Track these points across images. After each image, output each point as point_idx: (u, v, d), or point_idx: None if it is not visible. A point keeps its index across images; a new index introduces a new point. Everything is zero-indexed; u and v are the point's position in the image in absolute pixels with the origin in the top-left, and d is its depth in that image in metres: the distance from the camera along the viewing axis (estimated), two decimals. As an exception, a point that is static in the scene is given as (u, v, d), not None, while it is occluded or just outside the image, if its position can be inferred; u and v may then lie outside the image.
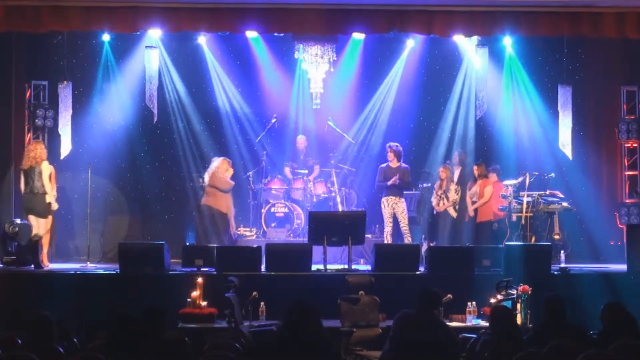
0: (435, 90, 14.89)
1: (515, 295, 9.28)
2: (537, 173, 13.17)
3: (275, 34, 13.41)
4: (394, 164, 12.95)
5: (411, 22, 12.09)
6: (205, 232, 12.94)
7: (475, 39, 13.72)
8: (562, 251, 12.11)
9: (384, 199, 12.90)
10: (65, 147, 13.54)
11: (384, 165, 13.10)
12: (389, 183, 12.60)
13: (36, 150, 11.84)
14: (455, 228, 12.98)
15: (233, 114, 14.79)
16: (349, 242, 11.35)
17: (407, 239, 12.74)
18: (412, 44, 14.50)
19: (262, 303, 9.85)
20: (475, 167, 13.19)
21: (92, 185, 12.99)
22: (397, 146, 13.04)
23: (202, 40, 14.38)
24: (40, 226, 11.77)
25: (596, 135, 14.67)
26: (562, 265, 11.70)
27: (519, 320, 9.02)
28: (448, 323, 8.88)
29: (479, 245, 12.13)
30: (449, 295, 9.09)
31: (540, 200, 12.72)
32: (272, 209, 13.86)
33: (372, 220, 13.55)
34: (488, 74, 14.19)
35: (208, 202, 12.99)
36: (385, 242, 12.80)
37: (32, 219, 11.80)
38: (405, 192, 13.16)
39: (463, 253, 11.44)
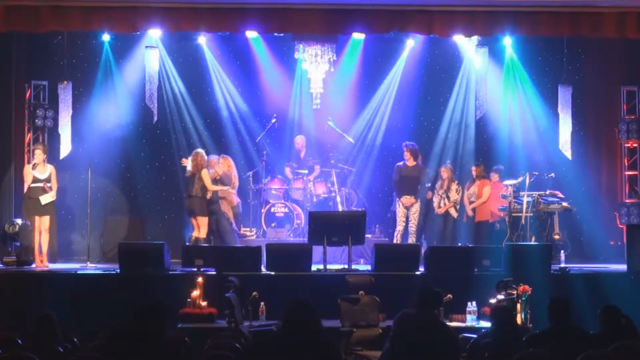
0: (435, 90, 14.89)
1: (515, 295, 9.28)
2: (537, 173, 13.17)
3: (275, 34, 13.42)
4: (410, 162, 12.99)
5: (411, 22, 12.10)
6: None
7: (475, 39, 13.72)
8: (562, 251, 12.11)
9: (399, 199, 12.91)
10: (65, 147, 13.55)
11: (400, 163, 13.12)
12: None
13: (197, 159, 12.51)
14: (455, 228, 13.00)
15: (233, 114, 14.79)
16: (349, 242, 11.35)
17: (412, 239, 12.76)
18: (412, 44, 14.50)
19: (262, 303, 9.84)
20: (473, 168, 13.27)
21: (92, 185, 12.99)
22: (413, 145, 13.10)
23: (202, 40, 14.38)
24: (201, 225, 12.44)
25: (596, 135, 14.67)
26: (562, 265, 11.69)
27: (519, 320, 9.01)
28: (448, 323, 8.87)
29: (478, 245, 12.13)
30: (449, 295, 9.08)
31: (540, 200, 12.71)
32: (272, 209, 13.86)
33: (372, 220, 13.56)
34: (488, 74, 14.19)
35: None
36: (395, 241, 12.86)
37: (194, 220, 12.50)
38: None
39: (463, 253, 11.46)
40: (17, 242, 12.41)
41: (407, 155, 13.00)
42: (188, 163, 12.64)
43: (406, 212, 12.90)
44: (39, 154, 12.20)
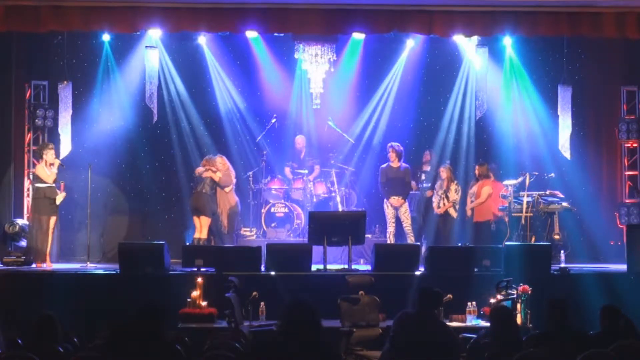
0: (435, 90, 14.88)
1: (515, 295, 9.28)
2: (537, 173, 13.19)
3: (275, 34, 13.42)
4: (395, 164, 12.98)
5: (411, 22, 12.11)
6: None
7: (475, 39, 13.72)
8: (562, 251, 12.10)
9: (386, 200, 12.92)
10: (65, 147, 13.54)
11: (384, 165, 13.12)
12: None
13: (215, 164, 13.21)
14: (455, 228, 13.00)
15: (233, 114, 14.79)
16: (349, 242, 11.34)
17: (410, 239, 12.75)
18: (412, 44, 14.50)
19: (262, 303, 9.84)
20: (476, 167, 13.22)
21: (92, 185, 12.99)
22: (398, 146, 13.06)
23: (202, 40, 14.38)
24: (203, 225, 12.90)
25: (596, 135, 14.67)
26: (562, 265, 11.68)
27: (519, 320, 9.01)
28: (448, 323, 8.88)
29: (478, 245, 12.13)
30: (449, 295, 9.08)
31: (540, 200, 12.72)
32: (272, 209, 13.86)
33: (372, 220, 13.56)
34: (488, 74, 14.18)
35: None
36: (388, 242, 12.82)
37: (196, 219, 12.98)
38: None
39: (463, 253, 11.45)
40: (19, 242, 12.40)
41: (392, 156, 12.98)
42: (210, 170, 13.08)
43: (395, 213, 12.91)
44: (53, 154, 12.25)
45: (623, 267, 11.42)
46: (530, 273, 10.27)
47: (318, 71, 14.10)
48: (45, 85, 13.99)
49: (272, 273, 10.75)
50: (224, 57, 14.73)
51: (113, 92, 14.23)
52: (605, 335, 6.47)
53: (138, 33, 13.28)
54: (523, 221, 12.64)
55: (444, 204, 12.91)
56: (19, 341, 6.68)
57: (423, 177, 13.92)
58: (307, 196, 14.03)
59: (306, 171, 14.19)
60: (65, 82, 13.59)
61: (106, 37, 13.86)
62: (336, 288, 9.66)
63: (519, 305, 9.26)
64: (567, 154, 13.87)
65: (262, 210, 13.88)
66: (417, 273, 10.95)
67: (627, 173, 14.46)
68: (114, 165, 14.24)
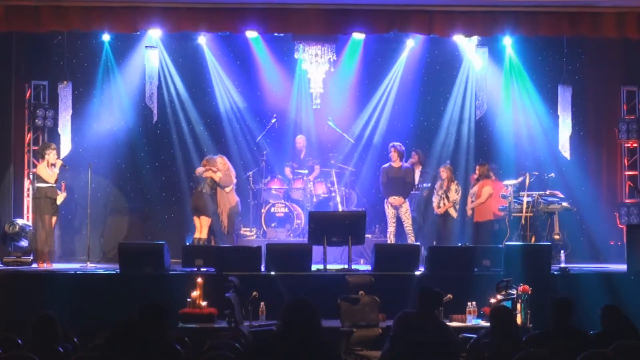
0: (435, 90, 14.89)
1: (515, 295, 9.28)
2: (537, 173, 13.19)
3: (275, 34, 13.42)
4: (396, 163, 12.97)
5: (411, 22, 12.11)
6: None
7: (475, 39, 13.73)
8: (562, 251, 12.10)
9: (387, 200, 12.92)
10: (65, 147, 13.54)
11: (386, 165, 13.12)
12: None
13: (216, 164, 13.16)
14: (455, 228, 13.00)
15: (233, 114, 14.79)
16: (349, 242, 11.34)
17: (411, 239, 12.75)
18: (412, 44, 14.50)
19: (262, 303, 9.84)
20: (477, 167, 13.23)
21: (92, 185, 12.99)
22: (400, 146, 13.06)
23: (202, 40, 14.38)
24: (204, 225, 12.91)
25: (596, 135, 14.67)
26: (562, 265, 11.69)
27: (519, 320, 9.01)
28: (448, 323, 8.88)
29: (479, 245, 12.14)
30: (449, 295, 9.08)
31: (540, 200, 12.73)
32: (272, 209, 13.86)
33: (372, 220, 13.56)
34: (488, 74, 14.19)
35: None
36: (389, 242, 12.82)
37: (196, 219, 12.97)
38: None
39: (463, 253, 11.44)
40: (19, 242, 12.40)
41: (394, 156, 12.97)
42: (212, 170, 13.05)
43: (395, 213, 12.91)
44: (55, 154, 12.26)
45: (623, 267, 11.42)
46: (530, 273, 10.28)
47: (318, 71, 14.10)
48: (45, 85, 13.98)
49: (272, 273, 10.75)
50: (224, 57, 14.73)
51: (113, 92, 14.23)
52: (605, 335, 6.47)
53: (138, 33, 13.27)
54: (523, 221, 12.64)
55: (444, 204, 12.91)
56: (19, 341, 6.68)
57: (419, 177, 13.90)
58: (307, 196, 14.03)
59: (306, 171, 14.19)
60: (65, 82, 13.60)
61: (106, 37, 13.86)
62: (336, 288, 9.66)
63: (519, 305, 9.26)
64: (567, 154, 13.88)
65: (262, 210, 13.88)
66: (417, 273, 10.95)
67: (627, 173, 14.45)
68: (114, 165, 14.24)
